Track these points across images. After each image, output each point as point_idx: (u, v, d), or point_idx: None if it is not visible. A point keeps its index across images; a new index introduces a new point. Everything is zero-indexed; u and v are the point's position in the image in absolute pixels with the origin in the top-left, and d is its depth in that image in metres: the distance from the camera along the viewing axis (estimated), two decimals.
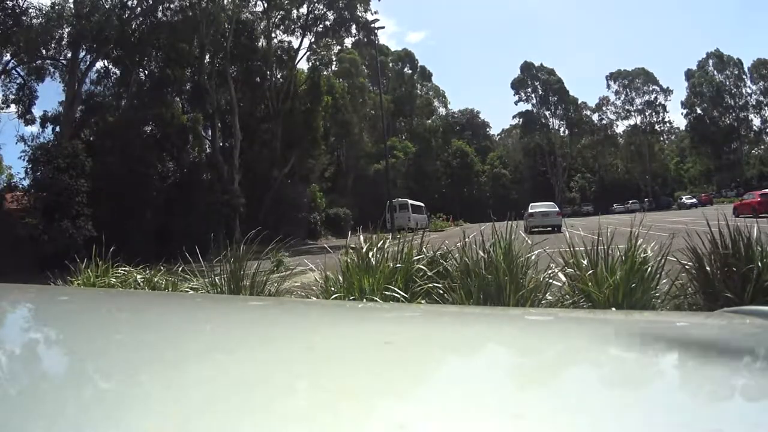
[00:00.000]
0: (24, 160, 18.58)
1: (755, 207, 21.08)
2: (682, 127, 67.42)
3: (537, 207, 22.87)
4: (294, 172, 29.86)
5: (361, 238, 3.78)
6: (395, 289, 3.08)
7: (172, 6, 24.26)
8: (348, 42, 33.13)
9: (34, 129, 24.46)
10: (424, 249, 3.65)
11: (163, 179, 22.34)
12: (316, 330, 0.87)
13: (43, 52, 22.36)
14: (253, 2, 29.34)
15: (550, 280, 3.13)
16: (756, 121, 62.23)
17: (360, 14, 30.32)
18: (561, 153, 68.58)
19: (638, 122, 67.42)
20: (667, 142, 71.87)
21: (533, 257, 3.34)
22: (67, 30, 21.70)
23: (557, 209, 23.16)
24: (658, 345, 0.77)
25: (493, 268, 3.05)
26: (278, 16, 30.67)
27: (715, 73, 63.07)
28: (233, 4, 26.85)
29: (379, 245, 3.55)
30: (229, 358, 0.65)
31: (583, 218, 27.25)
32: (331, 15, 30.52)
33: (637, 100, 67.53)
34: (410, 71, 68.08)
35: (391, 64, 64.56)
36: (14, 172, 25.94)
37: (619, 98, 68.33)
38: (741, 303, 2.70)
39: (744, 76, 62.38)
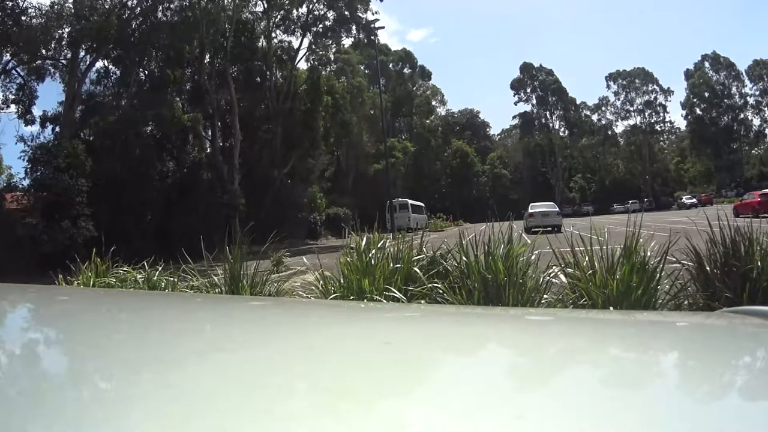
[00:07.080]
0: (24, 160, 18.66)
1: (755, 207, 21.07)
2: (683, 127, 67.52)
3: (537, 207, 22.87)
4: (294, 173, 29.84)
5: (361, 237, 3.78)
6: (394, 289, 3.07)
7: (172, 6, 24.26)
8: (348, 42, 33.18)
9: (34, 129, 24.51)
10: (424, 249, 3.66)
11: (163, 179, 22.36)
12: (316, 330, 0.87)
13: (43, 52, 22.34)
14: (253, 2, 29.38)
15: (552, 279, 3.13)
16: (756, 121, 62.37)
17: (360, 14, 30.34)
18: (561, 153, 68.56)
19: (638, 122, 67.47)
20: (667, 142, 71.86)
21: (533, 257, 3.34)
22: (66, 30, 21.70)
23: (557, 209, 23.14)
24: (658, 345, 0.77)
25: (493, 268, 3.05)
26: (278, 16, 30.67)
27: (712, 74, 63.12)
28: (233, 4, 26.84)
29: (379, 245, 3.55)
30: (229, 358, 0.65)
31: (583, 218, 27.27)
32: (331, 15, 30.54)
33: (637, 100, 67.58)
34: (409, 71, 68.06)
35: (390, 65, 64.54)
36: (14, 172, 26.02)
37: (619, 98, 68.44)
38: (741, 303, 2.70)
39: (743, 77, 62.50)
